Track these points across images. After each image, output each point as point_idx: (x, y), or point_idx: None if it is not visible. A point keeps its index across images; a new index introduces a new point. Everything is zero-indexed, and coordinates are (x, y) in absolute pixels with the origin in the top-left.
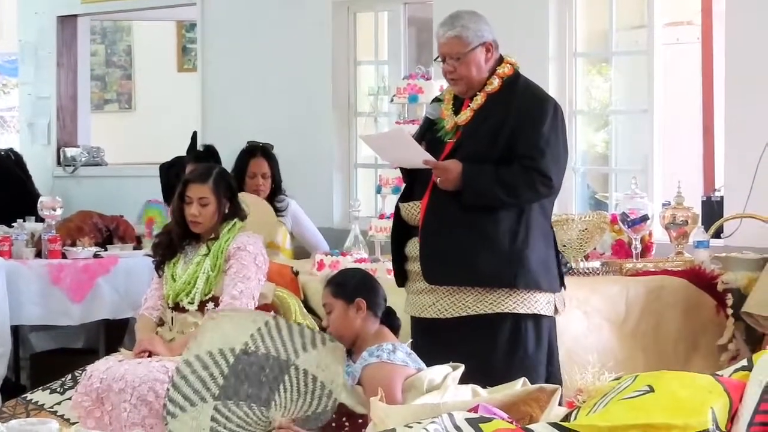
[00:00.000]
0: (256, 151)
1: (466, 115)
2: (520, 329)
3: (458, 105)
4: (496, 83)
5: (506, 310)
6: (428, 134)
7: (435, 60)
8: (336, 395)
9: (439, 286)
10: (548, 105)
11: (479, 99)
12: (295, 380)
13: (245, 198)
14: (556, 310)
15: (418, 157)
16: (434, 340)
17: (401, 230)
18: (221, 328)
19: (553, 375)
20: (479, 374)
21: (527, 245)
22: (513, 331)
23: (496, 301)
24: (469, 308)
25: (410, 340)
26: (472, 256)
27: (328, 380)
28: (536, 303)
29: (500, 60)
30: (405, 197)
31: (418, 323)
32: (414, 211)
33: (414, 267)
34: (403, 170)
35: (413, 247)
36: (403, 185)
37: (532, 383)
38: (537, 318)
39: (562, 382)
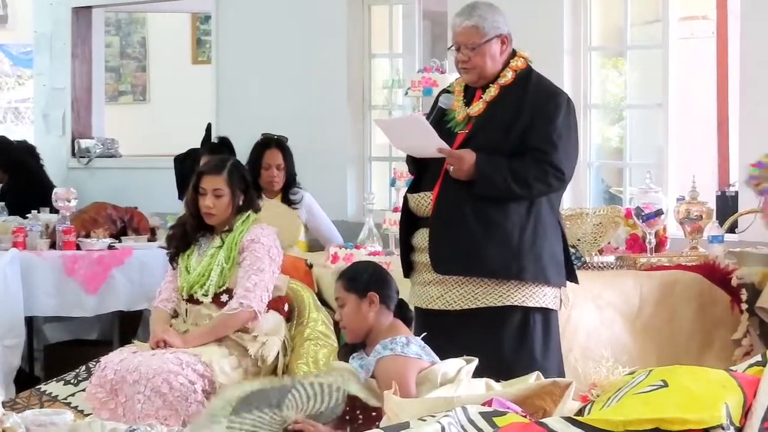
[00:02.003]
0: (271, 142)
1: (478, 106)
2: (528, 322)
3: (469, 97)
4: (509, 76)
5: (515, 303)
6: (439, 125)
7: (449, 48)
8: (345, 387)
9: (447, 277)
10: (561, 99)
11: (492, 91)
12: (302, 389)
13: (271, 206)
14: (561, 305)
15: (433, 145)
16: (441, 332)
17: (409, 221)
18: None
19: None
20: (487, 367)
21: (536, 238)
22: (521, 324)
23: (505, 293)
24: (478, 300)
25: (424, 333)
26: (481, 247)
27: (336, 381)
28: (544, 297)
29: (513, 53)
30: (413, 188)
31: (424, 315)
32: (423, 201)
33: (421, 258)
34: (410, 161)
35: (421, 237)
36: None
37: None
38: (545, 311)
39: (564, 376)
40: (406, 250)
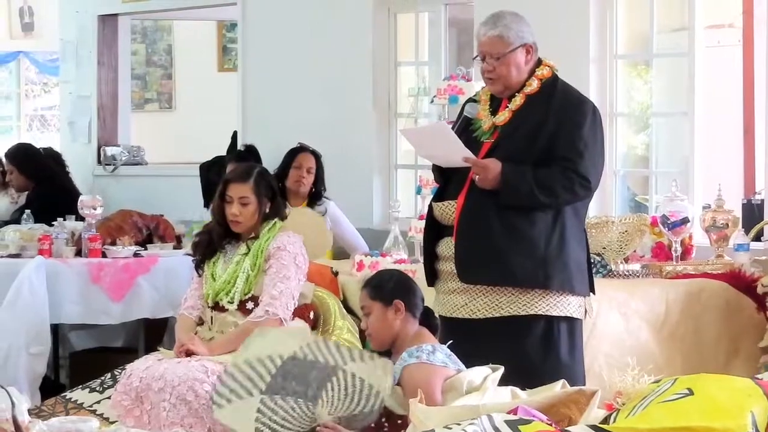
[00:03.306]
0: (307, 148)
1: (504, 115)
2: (552, 331)
3: (495, 106)
4: (535, 85)
5: (540, 312)
6: (464, 134)
7: (474, 58)
8: (384, 395)
9: (473, 285)
10: (587, 107)
11: (518, 100)
12: (343, 381)
13: (300, 216)
14: (585, 314)
15: (458, 153)
16: (465, 341)
17: (433, 230)
18: (269, 339)
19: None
20: (511, 375)
21: (562, 247)
22: (546, 332)
23: (530, 302)
24: (503, 309)
25: (450, 341)
26: (507, 256)
27: (376, 383)
28: (569, 306)
29: (538, 62)
30: (438, 197)
31: (448, 323)
32: (448, 210)
33: (446, 266)
34: (436, 170)
35: (446, 246)
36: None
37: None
38: (570, 321)
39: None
40: (431, 258)
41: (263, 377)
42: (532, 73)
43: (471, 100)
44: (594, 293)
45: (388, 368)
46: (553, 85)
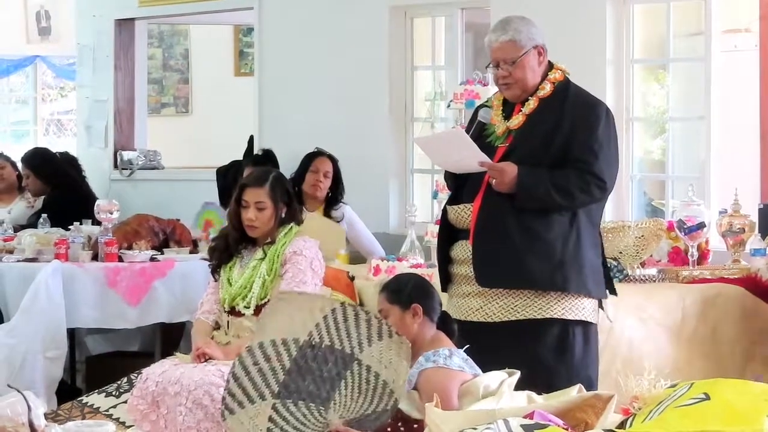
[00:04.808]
0: (324, 153)
1: (518, 119)
2: (568, 335)
3: (508, 110)
4: (548, 88)
5: (555, 316)
6: (479, 140)
7: (487, 67)
8: (397, 395)
9: (489, 289)
10: (600, 109)
11: (531, 103)
12: (357, 377)
13: (312, 222)
14: (599, 318)
15: (474, 158)
16: (480, 344)
17: (448, 233)
18: (288, 313)
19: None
20: (526, 379)
21: (579, 250)
22: (561, 336)
23: (545, 305)
24: (518, 312)
25: (467, 346)
26: (526, 259)
27: (390, 378)
28: (584, 309)
29: (550, 66)
30: (453, 200)
31: (462, 327)
32: (463, 213)
33: (460, 270)
34: (448, 177)
35: (460, 249)
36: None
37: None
38: (584, 324)
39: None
40: (445, 262)
41: (277, 373)
42: (544, 76)
43: (483, 105)
44: (616, 294)
45: (403, 350)
46: (565, 88)
